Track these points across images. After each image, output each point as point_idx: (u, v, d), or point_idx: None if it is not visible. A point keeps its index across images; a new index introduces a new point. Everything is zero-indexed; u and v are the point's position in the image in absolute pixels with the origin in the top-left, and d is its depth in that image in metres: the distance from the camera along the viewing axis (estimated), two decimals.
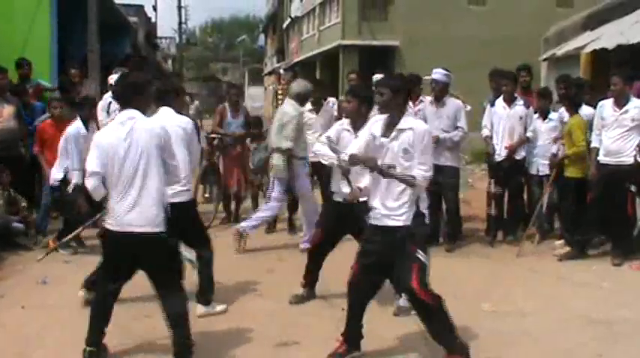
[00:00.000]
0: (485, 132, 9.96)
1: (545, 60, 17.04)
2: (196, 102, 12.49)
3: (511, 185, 9.86)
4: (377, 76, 10.38)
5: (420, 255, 5.49)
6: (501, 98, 9.85)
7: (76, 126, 9.02)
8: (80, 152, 8.59)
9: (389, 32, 33.52)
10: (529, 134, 9.69)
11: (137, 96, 5.49)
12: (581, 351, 6.01)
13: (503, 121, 9.75)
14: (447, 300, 6.13)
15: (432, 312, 5.52)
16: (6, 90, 10.24)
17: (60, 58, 13.72)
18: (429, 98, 10.16)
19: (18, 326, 6.52)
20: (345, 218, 6.77)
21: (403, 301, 6.70)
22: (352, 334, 5.83)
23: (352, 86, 9.38)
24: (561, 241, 9.57)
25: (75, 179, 8.72)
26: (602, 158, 8.92)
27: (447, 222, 9.87)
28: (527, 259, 9.15)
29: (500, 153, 9.74)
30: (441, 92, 9.58)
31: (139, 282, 6.66)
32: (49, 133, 9.60)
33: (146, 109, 5.63)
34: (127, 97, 5.51)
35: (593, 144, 9.05)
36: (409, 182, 5.40)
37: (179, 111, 6.70)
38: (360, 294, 5.77)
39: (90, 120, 9.40)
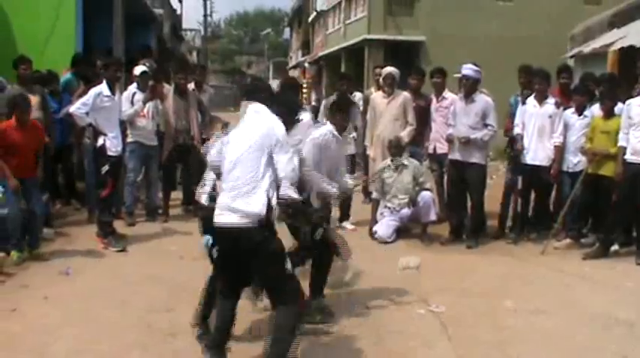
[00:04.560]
0: (517, 130, 9.74)
1: (571, 57, 16.90)
2: (211, 91, 12.42)
3: (540, 183, 9.68)
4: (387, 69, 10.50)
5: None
6: (533, 96, 9.67)
7: (100, 87, 9.26)
8: (102, 112, 9.14)
9: (415, 27, 33.41)
10: (558, 142, 9.42)
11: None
12: (604, 351, 5.95)
13: (533, 119, 9.56)
14: (469, 297, 6.11)
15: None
16: (30, 81, 10.21)
17: (85, 50, 13.70)
18: (451, 94, 10.08)
19: (39, 317, 6.54)
20: None
21: None
22: None
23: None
24: (567, 241, 9.55)
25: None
26: (629, 157, 8.79)
27: (470, 218, 9.80)
28: (551, 257, 9.06)
29: (529, 151, 9.59)
30: (470, 88, 9.44)
31: (156, 276, 6.71)
32: (12, 138, 8.26)
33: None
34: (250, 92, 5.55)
35: (621, 143, 8.89)
36: None
37: None
38: None
39: (115, 82, 9.57)
